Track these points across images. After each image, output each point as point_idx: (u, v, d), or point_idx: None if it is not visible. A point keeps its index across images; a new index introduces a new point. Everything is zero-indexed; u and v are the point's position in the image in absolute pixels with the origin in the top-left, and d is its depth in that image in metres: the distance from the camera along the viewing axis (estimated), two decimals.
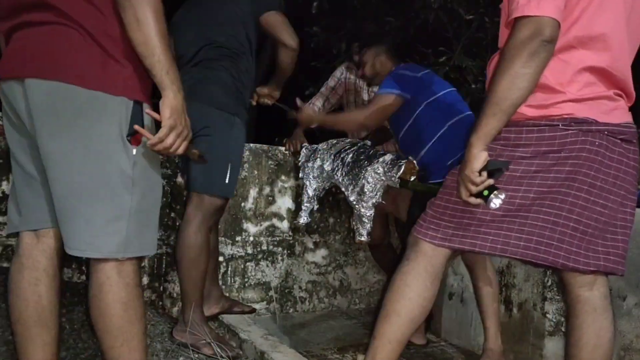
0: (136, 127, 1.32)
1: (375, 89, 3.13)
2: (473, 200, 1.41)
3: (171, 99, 1.30)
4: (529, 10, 1.30)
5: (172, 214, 2.70)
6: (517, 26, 1.32)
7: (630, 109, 1.53)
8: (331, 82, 3.23)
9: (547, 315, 2.35)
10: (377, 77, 2.68)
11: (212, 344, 2.22)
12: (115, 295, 1.36)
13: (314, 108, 2.52)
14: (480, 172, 1.37)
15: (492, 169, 1.38)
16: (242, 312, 2.68)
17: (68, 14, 1.27)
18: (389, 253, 3.12)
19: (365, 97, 3.14)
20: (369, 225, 2.46)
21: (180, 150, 1.36)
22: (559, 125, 1.41)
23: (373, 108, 2.44)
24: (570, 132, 1.41)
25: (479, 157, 1.36)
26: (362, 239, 2.51)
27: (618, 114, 1.46)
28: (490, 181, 1.38)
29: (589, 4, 1.38)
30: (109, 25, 1.29)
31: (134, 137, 1.33)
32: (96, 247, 1.34)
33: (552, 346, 2.34)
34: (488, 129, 1.36)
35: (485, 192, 1.38)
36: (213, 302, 2.53)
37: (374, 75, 2.69)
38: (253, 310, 2.74)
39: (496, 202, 1.37)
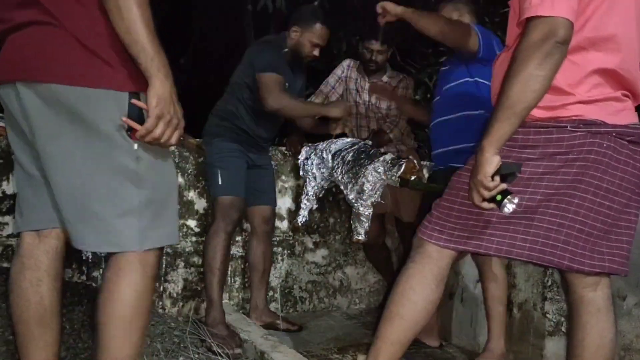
0: (124, 119, 1.26)
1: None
2: (486, 205, 1.37)
3: (157, 87, 1.24)
4: (543, 10, 1.27)
5: None
6: (530, 27, 1.29)
7: (637, 109, 1.53)
8: (332, 79, 3.19)
9: (547, 315, 2.35)
10: None
11: (213, 344, 2.23)
12: (132, 282, 1.34)
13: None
14: (492, 177, 1.34)
15: (505, 173, 1.35)
16: (287, 329, 2.71)
17: (53, 12, 1.25)
18: (384, 252, 3.12)
19: (366, 97, 3.12)
20: (367, 224, 2.46)
21: (173, 141, 1.29)
22: (567, 126, 1.40)
23: (456, 25, 2.25)
24: (578, 133, 1.39)
25: (491, 161, 1.33)
26: (360, 238, 2.50)
27: (625, 115, 1.45)
28: (504, 186, 1.35)
29: (601, 4, 1.37)
30: (96, 21, 1.26)
31: (133, 130, 1.28)
32: (114, 243, 1.33)
33: (552, 346, 2.33)
34: (501, 133, 1.32)
35: (499, 197, 1.34)
36: (255, 314, 2.69)
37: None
38: (300, 329, 2.77)
39: (510, 207, 1.33)
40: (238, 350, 2.30)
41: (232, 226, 2.50)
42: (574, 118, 1.40)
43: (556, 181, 1.42)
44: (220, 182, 2.50)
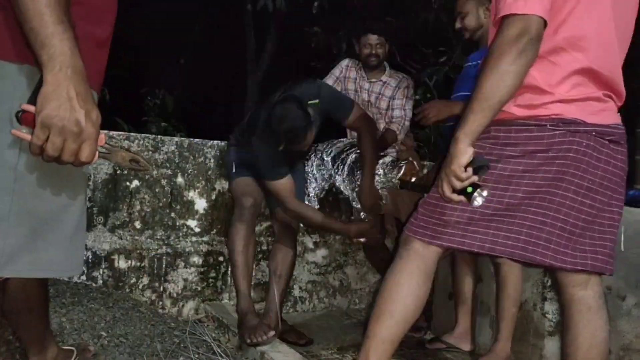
0: (24, 105, 0.94)
1: (376, 88, 3.12)
2: (455, 197, 1.41)
3: (47, 84, 0.90)
4: (517, 8, 1.32)
5: (172, 214, 2.71)
6: (505, 24, 1.34)
7: (622, 110, 1.54)
8: (329, 80, 3.18)
9: (547, 315, 2.35)
10: (481, 31, 2.43)
11: (212, 343, 2.23)
12: None
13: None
14: (465, 168, 1.38)
15: (477, 166, 1.38)
16: (295, 343, 2.50)
17: None
18: (383, 253, 3.11)
19: (365, 97, 3.12)
20: None
21: (83, 157, 0.93)
22: (547, 125, 1.43)
23: None
24: (557, 132, 1.42)
25: (465, 152, 1.37)
26: (361, 238, 2.51)
27: (606, 115, 1.47)
28: (475, 178, 1.38)
29: (576, 4, 1.40)
30: None
31: (25, 115, 0.95)
32: None
33: (552, 346, 2.34)
34: (475, 125, 1.37)
35: (469, 189, 1.38)
36: (265, 321, 2.43)
37: (476, 29, 2.44)
38: (309, 342, 2.57)
39: (479, 200, 1.37)
40: (271, 333, 2.23)
41: (247, 215, 2.43)
42: (553, 117, 1.43)
43: (537, 179, 1.44)
44: (233, 170, 2.54)
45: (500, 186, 1.43)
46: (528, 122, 1.45)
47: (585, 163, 1.43)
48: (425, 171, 3.19)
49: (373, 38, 3.03)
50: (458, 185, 1.39)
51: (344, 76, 3.17)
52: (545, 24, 1.34)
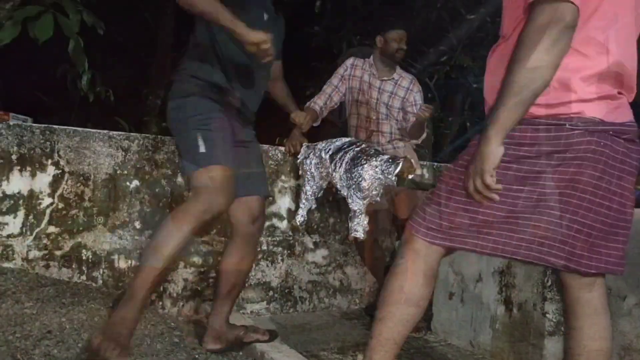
0: None
1: (389, 87, 3.10)
2: (478, 197, 1.39)
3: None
4: None
5: None
6: (537, 11, 1.27)
7: (632, 107, 1.51)
8: (335, 79, 3.16)
9: (547, 315, 2.35)
10: None
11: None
12: None
13: None
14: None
15: None
16: (257, 340, 2.30)
17: None
18: (375, 252, 3.10)
19: (375, 94, 3.05)
20: (365, 222, 2.46)
21: None
22: (565, 124, 1.38)
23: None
24: (576, 132, 1.38)
25: (497, 152, 1.33)
26: (358, 235, 2.50)
27: (621, 112, 1.44)
28: (499, 187, 1.36)
29: None
30: None
31: None
32: None
33: (552, 346, 2.33)
34: (508, 121, 1.31)
35: None
36: (211, 337, 2.23)
37: None
38: (273, 337, 2.34)
39: None
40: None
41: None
42: (572, 116, 1.38)
43: (553, 180, 1.41)
44: (203, 149, 1.93)
45: (515, 187, 1.40)
46: (546, 121, 1.40)
47: (602, 163, 1.40)
48: (425, 171, 3.19)
49: (402, 33, 3.03)
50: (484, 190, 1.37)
51: (349, 74, 3.14)
52: (578, 11, 1.27)
